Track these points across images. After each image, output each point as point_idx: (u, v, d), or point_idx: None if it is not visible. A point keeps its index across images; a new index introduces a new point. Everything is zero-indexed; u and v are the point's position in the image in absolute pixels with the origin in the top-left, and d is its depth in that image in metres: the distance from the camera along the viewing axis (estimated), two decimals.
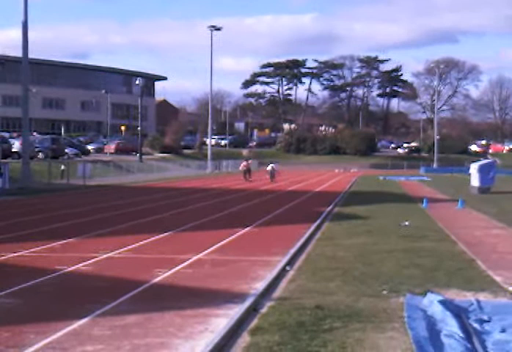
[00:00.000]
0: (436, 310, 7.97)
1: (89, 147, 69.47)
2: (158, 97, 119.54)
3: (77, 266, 11.31)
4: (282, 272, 10.83)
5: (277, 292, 9.37)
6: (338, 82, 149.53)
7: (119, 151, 69.64)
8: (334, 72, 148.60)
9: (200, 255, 12.54)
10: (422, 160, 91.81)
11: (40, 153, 51.66)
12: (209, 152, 71.91)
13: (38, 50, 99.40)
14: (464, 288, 9.48)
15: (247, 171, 49.43)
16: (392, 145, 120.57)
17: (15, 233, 15.81)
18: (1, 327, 7.36)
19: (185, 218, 19.66)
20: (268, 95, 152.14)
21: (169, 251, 13.13)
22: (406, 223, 17.60)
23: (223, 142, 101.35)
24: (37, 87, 74.57)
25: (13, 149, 50.05)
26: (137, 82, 70.40)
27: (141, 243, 14.25)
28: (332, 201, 26.71)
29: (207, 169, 67.77)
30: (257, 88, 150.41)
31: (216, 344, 6.70)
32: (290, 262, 11.75)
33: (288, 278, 10.43)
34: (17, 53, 36.49)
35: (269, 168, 49.97)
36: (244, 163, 51.61)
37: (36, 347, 6.64)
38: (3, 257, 12.17)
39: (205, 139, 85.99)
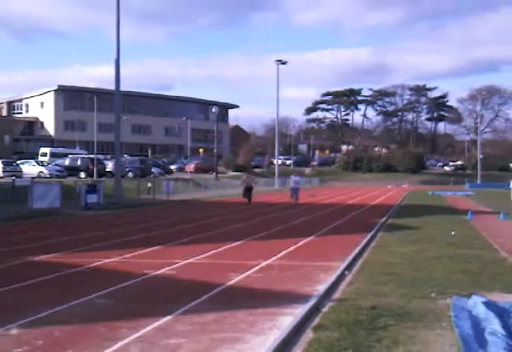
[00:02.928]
0: (480, 311, 7.83)
1: (172, 167, 70.23)
2: (232, 123, 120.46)
3: (162, 270, 11.43)
4: (341, 276, 10.78)
5: (337, 294, 9.33)
6: (390, 108, 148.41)
7: (197, 170, 70.22)
8: (387, 99, 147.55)
9: (269, 261, 12.56)
10: (466, 176, 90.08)
11: (130, 173, 52.51)
12: (276, 171, 72.07)
13: (127, 83, 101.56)
14: (506, 291, 9.30)
15: (248, 189, 34.86)
16: (440, 163, 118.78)
17: (109, 242, 16.06)
18: (98, 323, 7.50)
19: (255, 228, 19.68)
20: (328, 120, 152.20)
21: (242, 257, 13.18)
22: (453, 233, 17.31)
23: (288, 162, 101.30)
24: (127, 115, 75.96)
25: (107, 169, 51.06)
26: (213, 110, 71.03)
27: (217, 250, 14.34)
28: (386, 213, 26.47)
29: (274, 185, 67.83)
30: (318, 114, 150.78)
31: (283, 339, 6.71)
32: (349, 268, 11.68)
33: (347, 281, 10.37)
34: (110, 86, 37.17)
35: (291, 184, 39.49)
36: (244, 177, 38.33)
37: (128, 340, 6.74)
38: (99, 263, 12.38)
39: (272, 159, 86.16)
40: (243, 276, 10.79)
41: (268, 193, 50.29)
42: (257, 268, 11.69)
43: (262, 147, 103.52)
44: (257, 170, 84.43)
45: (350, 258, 12.72)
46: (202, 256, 13.35)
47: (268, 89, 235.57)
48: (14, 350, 6.37)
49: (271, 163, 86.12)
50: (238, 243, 15.84)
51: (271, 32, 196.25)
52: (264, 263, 12.24)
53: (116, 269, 11.70)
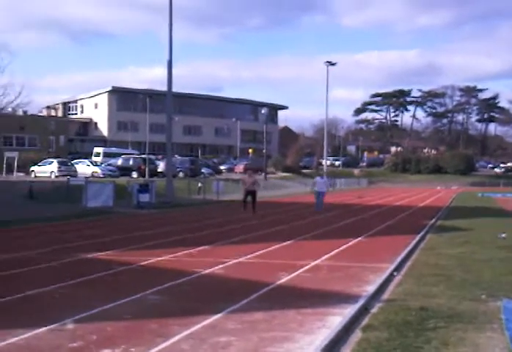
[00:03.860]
0: None
1: (222, 168, 70.58)
2: (281, 124, 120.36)
3: (212, 269, 11.50)
4: (390, 277, 10.69)
5: (386, 295, 9.27)
6: (440, 109, 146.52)
7: (247, 171, 70.44)
8: (437, 100, 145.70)
9: (317, 261, 12.53)
10: None
11: (181, 173, 52.92)
12: (324, 172, 71.83)
13: (179, 84, 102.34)
14: None
15: (250, 194, 26.69)
16: (490, 165, 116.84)
17: (160, 240, 16.22)
18: (150, 319, 7.59)
19: (304, 229, 19.66)
20: (376, 121, 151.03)
21: (291, 257, 13.17)
22: (503, 235, 17.01)
23: (337, 163, 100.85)
24: (179, 116, 76.57)
25: (159, 170, 51.58)
26: (262, 111, 71.15)
27: (267, 250, 14.36)
28: (435, 215, 26.16)
29: None
30: (367, 115, 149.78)
31: (332, 338, 6.69)
32: (397, 269, 11.58)
33: (395, 282, 10.29)
34: (162, 87, 37.58)
35: (316, 187, 29.22)
36: (245, 177, 28.99)
37: (179, 337, 6.80)
38: (150, 261, 12.52)
39: (321, 160, 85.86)
40: (292, 275, 10.79)
41: None
42: (306, 268, 11.68)
43: (311, 148, 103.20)
44: (305, 171, 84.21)
45: (399, 259, 12.61)
46: (251, 255, 13.39)
47: (317, 90, 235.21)
48: (69, 345, 6.48)
49: (320, 163, 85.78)
50: (286, 243, 15.84)
51: (320, 34, 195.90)
52: (313, 263, 12.22)
53: (168, 267, 11.81)
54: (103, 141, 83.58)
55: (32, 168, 50.66)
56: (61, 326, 7.22)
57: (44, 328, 7.09)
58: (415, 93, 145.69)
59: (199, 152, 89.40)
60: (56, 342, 6.61)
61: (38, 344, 6.55)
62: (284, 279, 10.40)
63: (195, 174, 52.75)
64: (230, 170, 71.41)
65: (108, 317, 7.73)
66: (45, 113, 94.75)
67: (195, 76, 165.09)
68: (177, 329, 7.08)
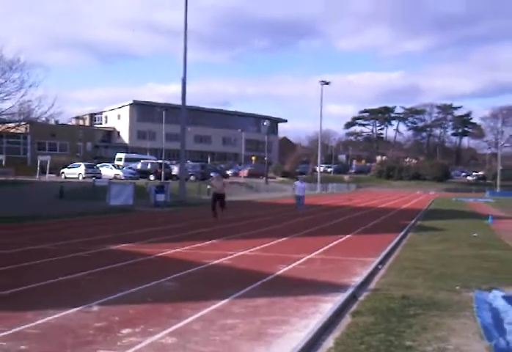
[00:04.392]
0: (500, 303, 7.70)
1: (228, 172, 70.54)
2: (280, 135, 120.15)
3: (219, 260, 11.51)
4: (375, 270, 10.70)
5: (372, 285, 9.27)
6: (420, 124, 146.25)
7: (250, 175, 70.24)
8: (417, 116, 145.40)
9: (311, 255, 12.53)
10: (487, 186, 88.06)
11: (192, 176, 52.93)
12: (318, 177, 71.73)
13: (192, 99, 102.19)
14: None
15: (219, 197, 22.61)
16: (463, 174, 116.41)
17: (174, 235, 16.24)
18: (166, 303, 7.60)
19: (299, 227, 19.66)
20: (364, 134, 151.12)
21: (288, 251, 13.16)
22: (475, 234, 17.02)
23: (329, 169, 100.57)
24: (191, 127, 76.59)
25: (173, 173, 51.63)
26: (265, 123, 71.28)
27: (267, 244, 14.37)
28: (415, 216, 26.13)
29: (316, 189, 67.55)
30: (356, 128, 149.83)
31: (325, 322, 6.71)
32: (382, 262, 11.59)
33: (380, 274, 10.30)
34: (177, 101, 37.70)
35: (296, 191, 27.89)
36: (213, 181, 24.89)
37: (191, 319, 6.82)
38: (166, 252, 12.53)
39: (315, 167, 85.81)
40: (289, 267, 10.80)
41: (311, 197, 50.13)
42: (301, 260, 11.68)
43: (307, 156, 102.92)
44: (302, 176, 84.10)
45: (383, 254, 12.61)
46: (253, 249, 13.40)
47: (312, 105, 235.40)
48: (95, 325, 6.50)
49: (314, 170, 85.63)
50: (284, 238, 15.84)
51: (316, 56, 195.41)
52: (307, 257, 12.22)
53: (181, 258, 11.82)
54: (124, 148, 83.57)
55: (62, 170, 50.68)
56: (87, 308, 7.24)
57: (73, 310, 7.11)
58: (398, 110, 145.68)
59: (209, 158, 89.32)
60: (83, 321, 6.63)
61: (68, 323, 6.57)
62: (282, 270, 10.40)
63: (204, 178, 52.72)
64: (235, 174, 71.32)
65: (128, 300, 7.74)
66: (74, 122, 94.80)
67: (206, 92, 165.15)
68: (189, 312, 7.10)
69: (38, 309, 7.05)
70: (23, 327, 6.30)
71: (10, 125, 48.45)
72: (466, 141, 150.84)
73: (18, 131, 57.18)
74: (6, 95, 42.33)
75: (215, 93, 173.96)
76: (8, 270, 10.03)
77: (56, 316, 6.79)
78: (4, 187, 30.99)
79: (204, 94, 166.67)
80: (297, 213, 26.37)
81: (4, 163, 51.80)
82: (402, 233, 17.60)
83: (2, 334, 6.03)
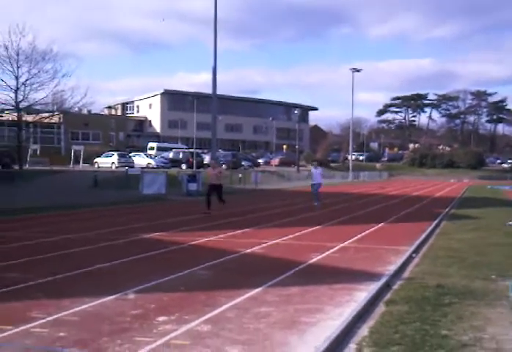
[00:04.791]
0: None
1: (259, 161, 70.56)
2: (311, 123, 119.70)
3: (253, 249, 11.55)
4: (409, 258, 10.62)
5: (405, 274, 9.22)
6: (453, 111, 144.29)
7: (281, 164, 70.16)
8: (450, 103, 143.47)
9: (345, 243, 12.49)
10: None
11: (224, 165, 53.06)
12: (350, 165, 71.40)
13: (222, 88, 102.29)
14: None
15: (214, 188, 19.62)
16: (498, 161, 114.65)
17: (207, 223, 16.33)
18: (200, 292, 7.66)
19: (333, 215, 19.60)
20: (396, 121, 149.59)
21: (321, 239, 13.14)
22: (510, 222, 16.77)
23: (361, 157, 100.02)
24: (222, 116, 76.67)
25: (204, 162, 51.78)
26: (295, 112, 71.03)
27: (299, 233, 14.37)
28: (449, 204, 25.83)
29: (348, 178, 67.25)
30: (388, 116, 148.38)
31: (360, 310, 6.70)
32: (416, 251, 11.50)
33: (414, 263, 10.22)
34: (208, 90, 37.70)
35: (313, 178, 23.97)
36: (208, 169, 23.46)
37: (225, 307, 6.86)
38: (199, 241, 12.61)
39: (346, 155, 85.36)
40: (322, 255, 10.79)
41: (343, 185, 49.93)
42: (334, 249, 11.66)
43: (338, 144, 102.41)
44: (333, 164, 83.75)
45: (417, 243, 12.50)
46: (286, 237, 13.41)
47: (343, 93, 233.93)
48: (131, 312, 6.58)
49: (346, 158, 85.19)
50: (317, 227, 15.82)
51: (346, 44, 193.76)
52: (341, 245, 12.19)
53: (214, 247, 11.89)
54: (156, 137, 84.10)
55: (96, 159, 51.24)
56: (124, 296, 7.34)
57: (109, 297, 7.22)
58: (431, 96, 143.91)
59: (240, 147, 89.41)
60: (120, 309, 6.72)
61: (104, 311, 6.67)
62: (315, 259, 10.40)
63: (236, 167, 52.86)
64: (267, 163, 71.30)
65: (163, 288, 7.83)
66: (106, 112, 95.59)
67: (235, 81, 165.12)
68: (223, 300, 7.15)
69: (75, 297, 7.18)
70: (61, 314, 6.42)
71: (44, 115, 49.07)
72: (501, 128, 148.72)
73: (52, 121, 57.83)
74: (39, 85, 42.84)
75: (244, 82, 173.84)
76: (45, 259, 10.22)
77: (92, 304, 6.90)
78: (39, 176, 31.46)
79: (233, 82, 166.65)
80: (313, 205, 22.78)
81: (38, 152, 52.56)
82: (435, 221, 17.41)
83: (41, 321, 6.16)
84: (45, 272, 8.77)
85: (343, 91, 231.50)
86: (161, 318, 6.33)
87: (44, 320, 6.17)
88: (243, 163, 58.75)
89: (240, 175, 40.94)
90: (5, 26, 41.03)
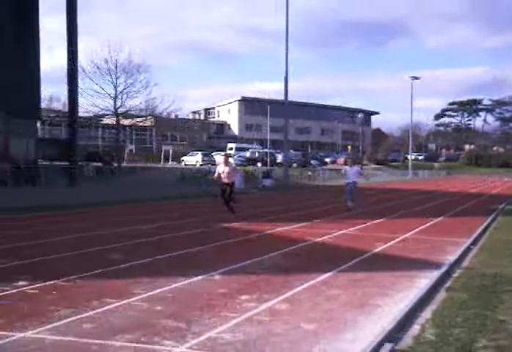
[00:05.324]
0: None
1: (326, 160, 70.10)
2: (373, 126, 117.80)
3: (321, 238, 11.51)
4: (468, 250, 10.32)
5: (464, 263, 8.96)
6: (507, 115, 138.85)
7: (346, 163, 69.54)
8: (504, 107, 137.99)
9: (406, 235, 12.26)
10: None
11: (295, 163, 53.06)
12: (409, 164, 69.93)
13: (292, 94, 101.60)
14: None
15: (227, 186, 15.73)
16: None
17: (281, 215, 16.37)
18: (276, 275, 7.71)
19: (395, 208, 19.26)
20: (453, 125, 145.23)
21: (384, 231, 12.95)
22: None
23: (420, 157, 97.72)
24: (293, 120, 76.56)
25: (277, 161, 51.97)
26: (359, 116, 70.40)
27: (364, 225, 14.20)
28: (504, 200, 24.88)
29: (407, 175, 65.87)
30: (445, 119, 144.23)
31: (421, 296, 6.57)
32: (474, 243, 11.16)
33: (472, 254, 9.93)
34: (280, 97, 37.88)
35: (347, 177, 18.68)
36: (221, 165, 16.32)
37: (299, 288, 6.87)
38: (274, 230, 12.66)
39: (406, 155, 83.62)
40: (386, 245, 10.64)
41: (402, 182, 48.95)
42: (397, 240, 11.47)
43: (398, 146, 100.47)
44: (393, 164, 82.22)
45: (474, 236, 12.12)
46: (352, 228, 13.28)
47: (403, 99, 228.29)
48: (217, 291, 6.70)
49: (406, 158, 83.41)
50: (381, 219, 15.59)
51: (405, 53, 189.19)
52: (402, 236, 11.98)
53: (288, 236, 11.93)
54: (234, 138, 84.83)
55: (182, 158, 52.34)
56: (210, 277, 7.48)
57: (198, 277, 7.37)
58: (486, 102, 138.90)
59: (309, 147, 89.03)
60: (207, 288, 6.85)
61: (194, 289, 6.82)
62: (379, 248, 10.27)
63: (305, 165, 52.81)
64: (333, 162, 70.76)
65: (244, 271, 7.92)
66: (191, 117, 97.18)
67: (305, 88, 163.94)
68: (297, 283, 7.16)
69: (169, 276, 7.37)
70: (157, 291, 6.60)
71: (138, 119, 50.54)
72: None
73: (145, 124, 59.50)
74: (134, 94, 44.25)
75: (312, 88, 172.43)
76: (142, 243, 10.52)
77: (183, 282, 7.07)
78: (135, 172, 32.41)
79: (302, 89, 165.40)
80: (346, 206, 18.20)
81: (134, 151, 54.17)
82: (492, 216, 16.84)
83: (141, 296, 6.36)
84: (144, 254, 9.03)
85: (403, 96, 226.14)
86: (244, 297, 6.41)
87: (143, 296, 6.37)
88: (311, 161, 58.59)
89: (309, 173, 40.84)
90: (106, 43, 42.44)
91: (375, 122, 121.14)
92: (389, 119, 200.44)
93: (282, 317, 5.64)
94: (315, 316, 5.68)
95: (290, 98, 40.46)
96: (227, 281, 7.20)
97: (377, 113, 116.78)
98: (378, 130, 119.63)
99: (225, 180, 15.70)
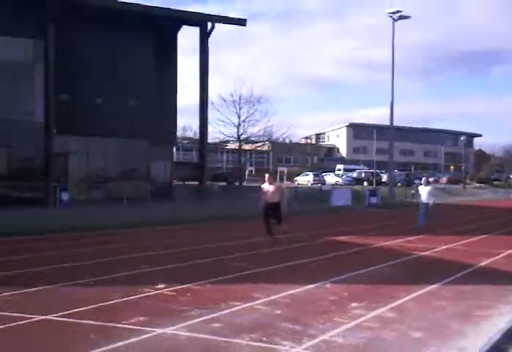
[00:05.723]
0: None
1: (430, 179, 67.32)
2: (476, 147, 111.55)
3: (426, 252, 11.01)
4: None
5: None
6: None
7: (449, 182, 66.19)
8: None
9: (510, 251, 11.43)
10: None
11: (399, 183, 51.46)
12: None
13: (396, 119, 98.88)
14: None
15: (272, 208, 12.52)
16: None
17: (386, 230, 15.82)
18: (383, 285, 7.52)
19: (497, 226, 18.01)
20: None
21: (488, 246, 12.13)
22: None
23: None
24: (397, 143, 74.49)
25: (382, 180, 50.72)
26: (461, 138, 66.81)
27: (467, 240, 13.38)
28: None
29: (510, 194, 61.44)
30: None
31: None
32: None
33: None
34: (385, 122, 37.12)
35: (422, 197, 17.22)
36: (265, 184, 12.89)
37: (406, 299, 6.65)
38: (380, 244, 12.24)
39: (509, 175, 78.21)
40: (490, 260, 9.98)
41: (507, 200, 45.71)
42: (501, 255, 10.72)
43: (500, 165, 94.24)
44: (496, 183, 77.11)
45: None
46: (455, 244, 12.58)
47: (506, 121, 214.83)
48: (329, 298, 6.63)
49: (508, 177, 77.94)
50: (484, 236, 14.65)
51: (508, 77, 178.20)
52: (507, 252, 11.15)
53: (393, 249, 11.55)
54: (342, 160, 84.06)
55: (296, 178, 52.66)
56: (322, 285, 7.42)
57: (311, 286, 7.34)
58: None
59: (412, 168, 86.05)
60: (320, 295, 6.81)
61: (308, 296, 6.80)
62: (484, 263, 9.66)
63: (409, 184, 51.01)
64: (436, 181, 67.71)
65: (353, 281, 7.78)
66: (303, 141, 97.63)
67: (408, 113, 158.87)
68: (404, 293, 6.92)
69: (286, 283, 7.40)
70: (276, 296, 6.66)
71: (257, 144, 51.71)
72: None
73: (263, 149, 60.73)
74: (255, 122, 45.42)
75: (415, 113, 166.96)
76: (259, 254, 10.66)
77: (299, 289, 7.07)
78: (254, 190, 33.00)
79: (407, 114, 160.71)
80: (416, 226, 16.40)
81: (254, 172, 55.43)
82: None
83: (262, 300, 6.44)
84: (262, 264, 9.14)
85: (506, 119, 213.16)
86: (353, 304, 6.30)
87: (264, 300, 6.44)
88: (415, 181, 56.50)
89: (412, 191, 39.30)
90: (231, 79, 44.05)
91: (478, 143, 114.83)
92: (492, 141, 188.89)
93: (389, 324, 5.47)
94: (422, 325, 5.44)
95: (395, 123, 39.55)
96: (337, 290, 7.11)
97: (479, 135, 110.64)
98: (480, 151, 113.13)
99: (271, 200, 12.55)
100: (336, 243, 12.47)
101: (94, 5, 23.89)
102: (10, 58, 24.03)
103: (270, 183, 12.88)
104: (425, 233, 14.80)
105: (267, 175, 13.25)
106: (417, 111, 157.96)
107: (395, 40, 33.92)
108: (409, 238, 13.63)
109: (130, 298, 6.49)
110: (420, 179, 61.98)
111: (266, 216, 12.68)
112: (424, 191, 17.13)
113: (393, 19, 33.00)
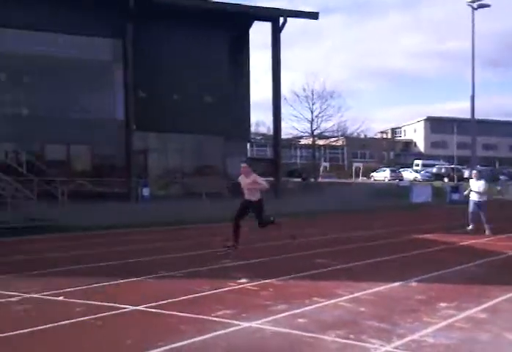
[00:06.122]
0: None
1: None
2: None
3: None
4: None
5: None
6: None
7: None
8: None
9: None
10: None
11: (483, 179, 49.34)
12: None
13: (477, 112, 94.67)
14: None
15: (248, 205, 9.60)
16: None
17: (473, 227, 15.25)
18: (473, 284, 7.25)
19: None
20: None
21: None
22: None
23: None
24: (479, 137, 71.37)
25: (464, 176, 48.69)
26: None
27: None
28: None
29: None
30: None
31: None
32: None
33: None
34: (465, 115, 35.82)
35: (474, 196, 14.23)
36: (241, 176, 9.67)
37: (499, 299, 6.36)
38: (467, 242, 11.82)
39: None
40: None
41: None
42: None
43: None
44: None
45: None
46: None
47: None
48: (416, 297, 6.47)
49: None
50: None
51: None
52: None
53: (481, 248, 11.08)
54: (420, 155, 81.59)
55: (372, 174, 51.78)
56: (407, 283, 7.27)
57: (396, 283, 7.21)
58: None
59: (496, 163, 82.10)
60: (406, 294, 6.67)
61: (394, 294, 6.68)
62: None
63: (494, 180, 48.73)
64: None
65: (440, 280, 7.56)
66: (379, 136, 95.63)
67: (492, 105, 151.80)
68: (497, 293, 6.64)
69: (370, 281, 7.32)
70: (360, 293, 6.60)
71: (332, 139, 51.26)
72: None
73: (337, 144, 60.14)
74: (328, 117, 45.10)
75: (499, 106, 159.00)
76: (340, 250, 10.60)
77: (383, 287, 6.97)
78: (329, 187, 32.82)
79: (489, 107, 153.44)
80: (467, 229, 13.96)
81: (328, 168, 55.00)
82: None
83: (346, 297, 6.41)
84: (343, 260, 9.09)
85: None
86: (442, 304, 6.12)
87: (348, 297, 6.41)
88: (500, 177, 53.91)
89: (498, 187, 37.56)
90: (304, 74, 44.02)
91: None
92: None
93: (482, 325, 5.28)
94: None
95: (477, 116, 37.94)
96: (424, 289, 6.94)
97: None
98: None
99: (247, 197, 9.74)
100: (418, 241, 12.15)
101: (169, 3, 24.61)
102: (91, 57, 25.24)
103: (246, 176, 9.67)
104: None
105: (243, 165, 9.83)
106: (499, 103, 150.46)
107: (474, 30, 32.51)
108: (498, 236, 13.04)
109: (215, 291, 6.67)
110: (505, 174, 59.31)
111: (238, 217, 9.74)
112: (475, 187, 14.29)
113: (472, 8, 31.63)
